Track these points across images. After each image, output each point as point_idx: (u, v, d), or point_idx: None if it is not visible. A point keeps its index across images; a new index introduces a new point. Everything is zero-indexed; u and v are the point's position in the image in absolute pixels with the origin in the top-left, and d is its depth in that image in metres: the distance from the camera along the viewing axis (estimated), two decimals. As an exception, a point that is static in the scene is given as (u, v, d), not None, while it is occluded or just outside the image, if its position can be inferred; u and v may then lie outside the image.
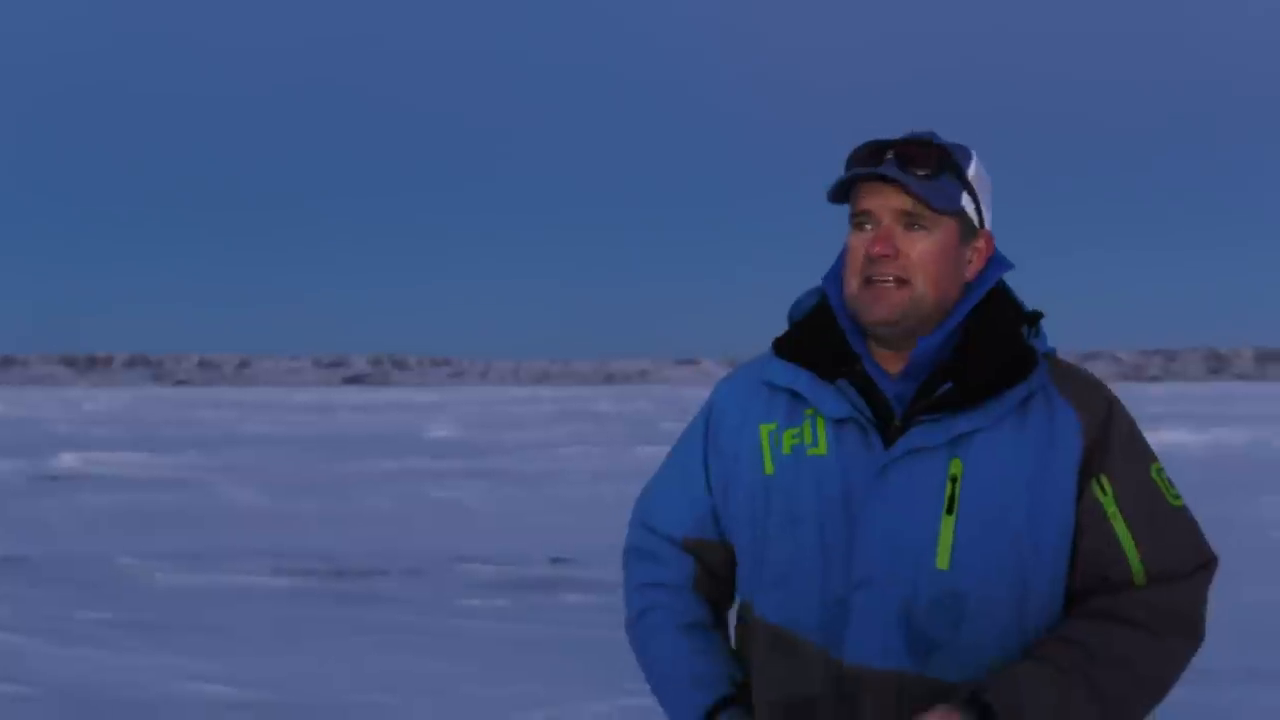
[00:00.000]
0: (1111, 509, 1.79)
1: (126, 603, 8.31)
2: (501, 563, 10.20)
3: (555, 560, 10.37)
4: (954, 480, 1.78)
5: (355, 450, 24.13)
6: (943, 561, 1.77)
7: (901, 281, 1.81)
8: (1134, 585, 1.79)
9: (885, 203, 1.82)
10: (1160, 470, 1.83)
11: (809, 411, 1.85)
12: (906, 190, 1.81)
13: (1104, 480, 1.79)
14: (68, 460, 21.24)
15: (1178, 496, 1.84)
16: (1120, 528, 1.79)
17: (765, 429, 1.87)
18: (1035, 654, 1.77)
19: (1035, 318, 1.87)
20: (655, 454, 22.57)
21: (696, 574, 1.93)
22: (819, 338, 1.87)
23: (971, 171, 1.85)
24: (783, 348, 1.89)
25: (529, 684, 6.11)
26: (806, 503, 1.82)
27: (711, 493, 1.91)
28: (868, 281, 1.82)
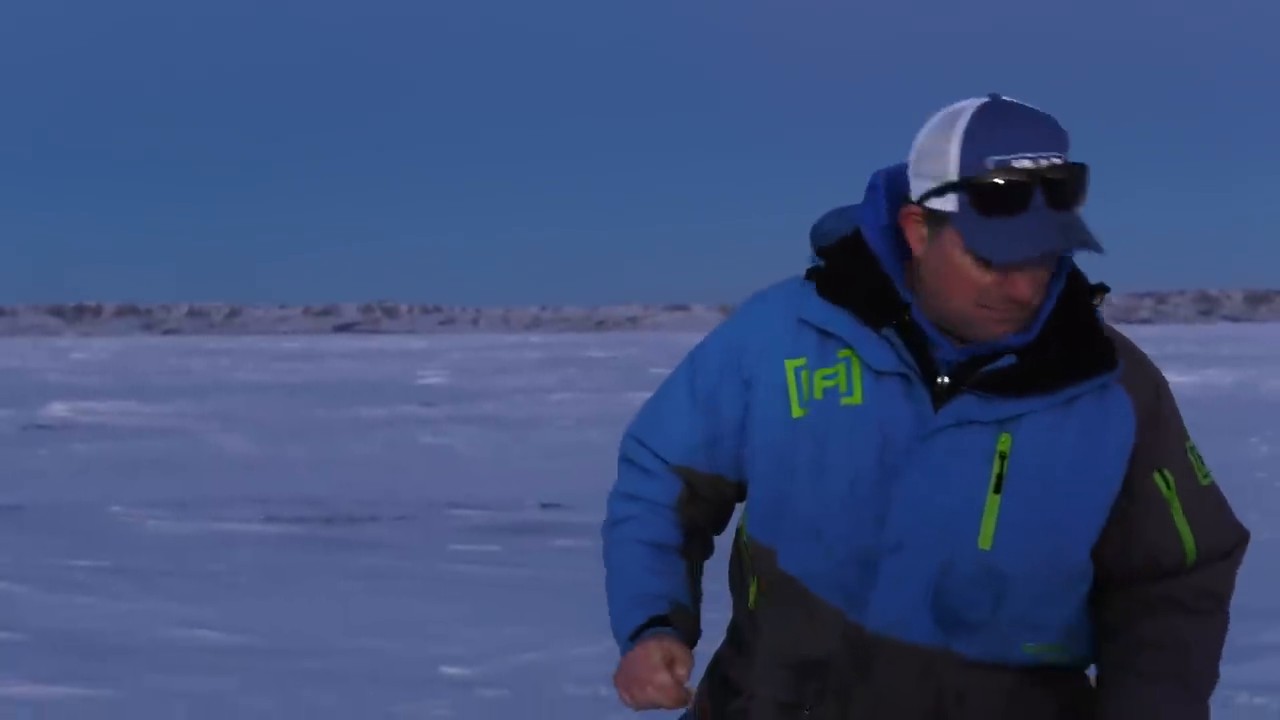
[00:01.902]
0: (1175, 503, 1.74)
1: (117, 550, 8.32)
2: (491, 508, 10.22)
3: (545, 505, 10.39)
4: (1003, 457, 1.70)
5: (345, 397, 24.13)
6: (985, 541, 1.70)
7: (1030, 307, 1.69)
8: (1185, 569, 1.76)
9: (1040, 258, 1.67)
10: (1193, 447, 1.78)
11: (843, 353, 1.73)
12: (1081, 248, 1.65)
13: (1166, 473, 1.74)
14: (57, 409, 21.22)
15: (1207, 473, 1.79)
16: (1179, 518, 1.74)
17: (791, 365, 1.75)
18: (1145, 670, 1.73)
19: (1102, 291, 1.76)
20: (646, 399, 22.55)
21: (681, 495, 1.84)
22: (861, 277, 1.73)
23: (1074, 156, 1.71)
24: (824, 285, 1.75)
25: (519, 627, 6.14)
26: (838, 455, 1.72)
27: (719, 422, 1.79)
28: (985, 307, 1.68)
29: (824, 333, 1.74)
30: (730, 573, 1.88)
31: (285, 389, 27.37)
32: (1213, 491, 1.79)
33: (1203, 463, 1.79)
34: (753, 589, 1.81)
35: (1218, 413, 18.49)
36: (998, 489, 1.70)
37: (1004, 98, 1.71)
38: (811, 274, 1.78)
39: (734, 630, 1.87)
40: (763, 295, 1.83)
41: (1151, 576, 1.76)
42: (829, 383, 1.73)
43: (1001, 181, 1.65)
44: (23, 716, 4.89)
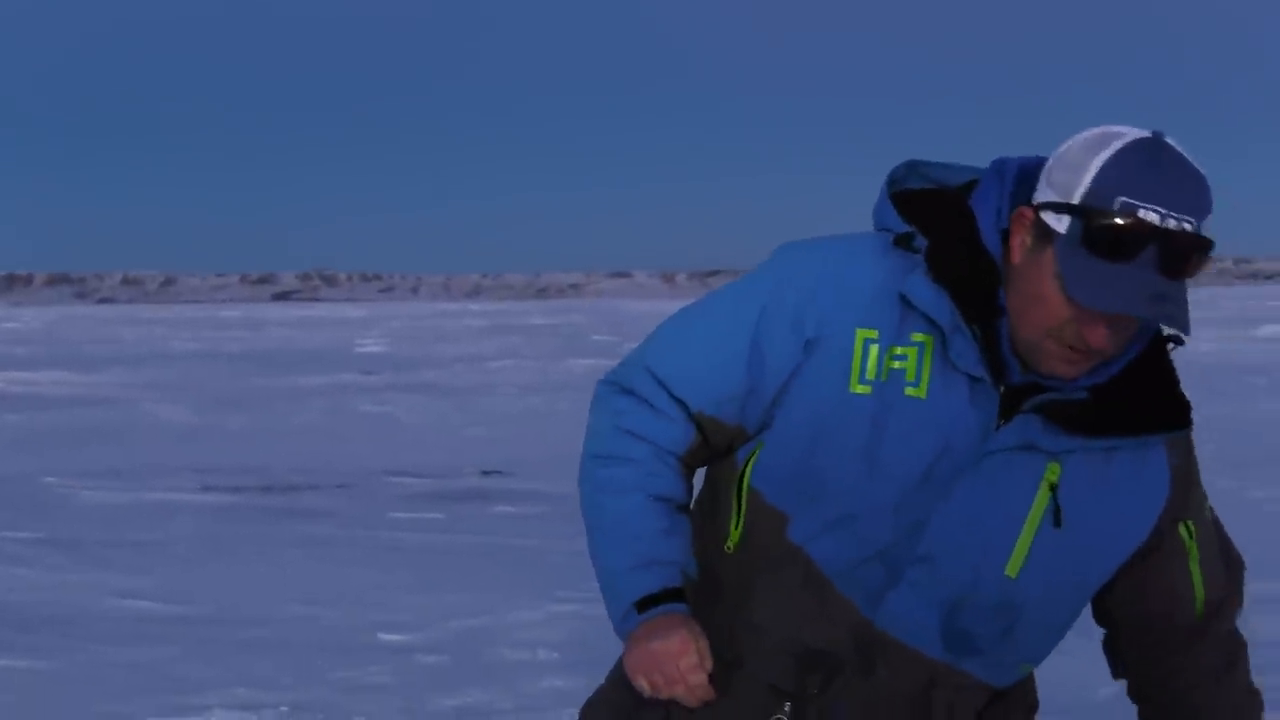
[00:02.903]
0: (1195, 553, 1.75)
1: (52, 521, 8.23)
2: (432, 475, 10.20)
3: (486, 473, 10.38)
4: (1051, 488, 1.64)
5: (284, 366, 23.94)
6: (1013, 569, 1.66)
7: (1099, 357, 1.62)
8: (1196, 619, 1.77)
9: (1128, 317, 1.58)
10: (1200, 485, 1.78)
11: (918, 337, 1.62)
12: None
13: (1190, 525, 1.74)
14: (-11, 380, 20.89)
15: (1209, 506, 1.79)
16: (1195, 569, 1.75)
17: (862, 335, 1.62)
18: None
19: (1177, 341, 1.67)
20: (588, 366, 22.58)
21: (692, 445, 1.67)
22: (965, 265, 1.61)
23: (1209, 229, 1.62)
24: (936, 264, 1.61)
25: (461, 594, 6.14)
26: (893, 449, 1.63)
27: (763, 374, 1.63)
28: (1055, 340, 1.60)
29: (907, 309, 1.62)
30: (704, 503, 1.74)
31: (223, 357, 27.11)
32: (1216, 524, 1.79)
33: (1206, 498, 1.79)
34: (736, 531, 1.70)
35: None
36: (1055, 523, 1.66)
37: (1169, 141, 1.60)
38: (901, 240, 1.64)
39: (700, 579, 1.72)
40: (827, 250, 1.66)
41: (1162, 624, 1.76)
42: (896, 364, 1.62)
43: (1119, 223, 1.55)
44: (-44, 689, 4.84)
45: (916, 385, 1.62)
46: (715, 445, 1.71)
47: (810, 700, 1.72)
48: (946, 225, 1.64)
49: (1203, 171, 1.62)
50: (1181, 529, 1.74)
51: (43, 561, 6.99)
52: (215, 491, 9.49)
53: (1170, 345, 1.69)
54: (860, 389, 1.63)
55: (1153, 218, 1.56)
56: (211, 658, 5.19)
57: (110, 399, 17.70)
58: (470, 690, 4.81)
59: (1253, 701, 1.81)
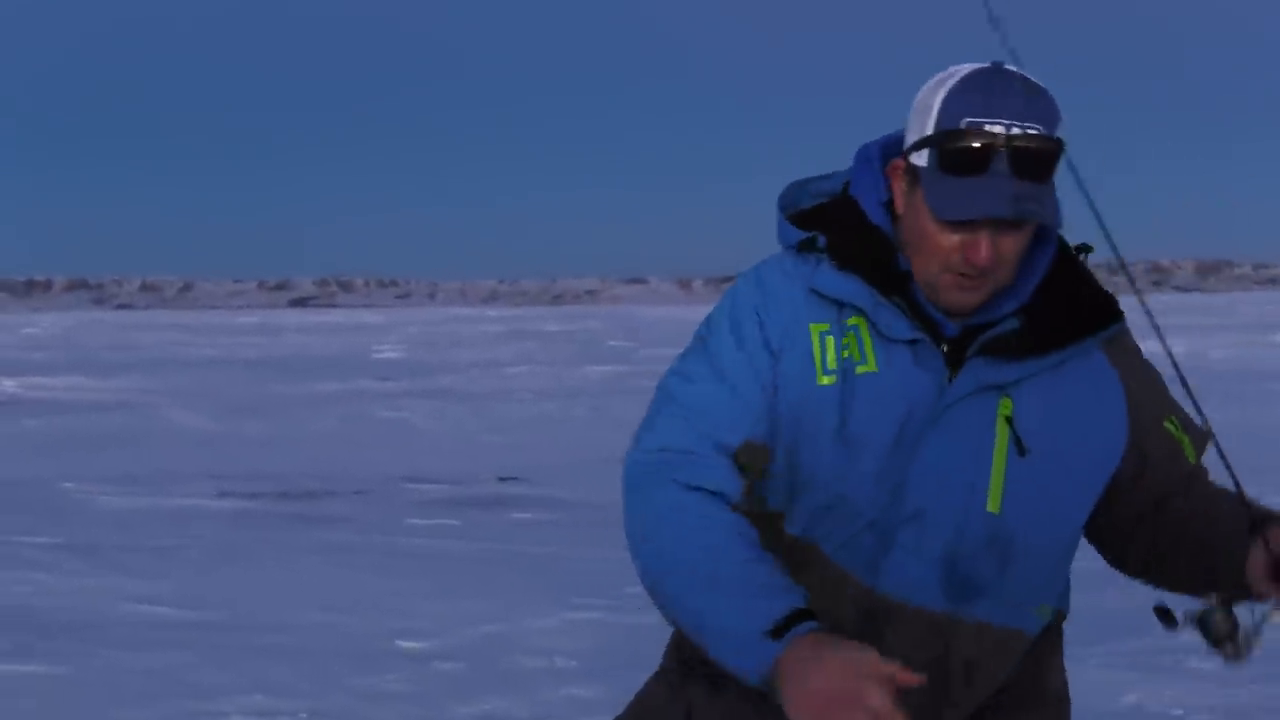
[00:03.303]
0: (1187, 443, 1.80)
1: (70, 526, 8.26)
2: (449, 482, 10.21)
3: (503, 479, 10.39)
4: (1007, 420, 1.71)
5: (301, 372, 24.00)
6: (994, 504, 1.71)
7: (992, 275, 1.70)
8: (1192, 466, 1.81)
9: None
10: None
11: (852, 321, 1.72)
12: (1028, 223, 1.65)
13: (1175, 421, 1.80)
14: (8, 385, 20.98)
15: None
16: (1189, 451, 1.80)
17: (816, 329, 1.72)
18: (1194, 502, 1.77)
19: (1084, 251, 1.77)
20: (604, 372, 22.59)
21: (744, 488, 1.70)
22: (866, 246, 1.72)
23: (1059, 129, 1.69)
24: (835, 254, 1.73)
25: (477, 600, 6.14)
26: (860, 425, 1.70)
27: (763, 389, 1.71)
28: (954, 273, 1.69)
29: (836, 302, 1.73)
30: None
31: (240, 363, 27.18)
32: (1181, 412, 1.84)
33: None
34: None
35: (1167, 381, 18.66)
36: (1004, 451, 1.71)
37: (1007, 66, 1.72)
38: (807, 245, 1.75)
39: None
40: (765, 269, 1.77)
41: (1167, 483, 1.79)
42: (845, 352, 1.72)
43: (966, 139, 1.66)
44: (-25, 694, 4.85)
45: (865, 363, 1.72)
46: (754, 475, 1.74)
47: None
48: (837, 219, 1.75)
49: (1044, 87, 1.71)
50: (1168, 425, 1.79)
51: (61, 566, 7.01)
52: (232, 497, 9.51)
53: (1081, 256, 1.77)
54: (825, 380, 1.72)
55: (997, 129, 1.66)
56: (228, 664, 5.20)
57: (128, 404, 17.76)
58: (488, 698, 4.81)
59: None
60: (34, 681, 5.00)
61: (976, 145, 1.65)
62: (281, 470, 10.89)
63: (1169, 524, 1.79)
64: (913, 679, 1.54)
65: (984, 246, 1.67)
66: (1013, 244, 1.69)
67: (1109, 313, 1.77)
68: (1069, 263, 1.77)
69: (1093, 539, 1.84)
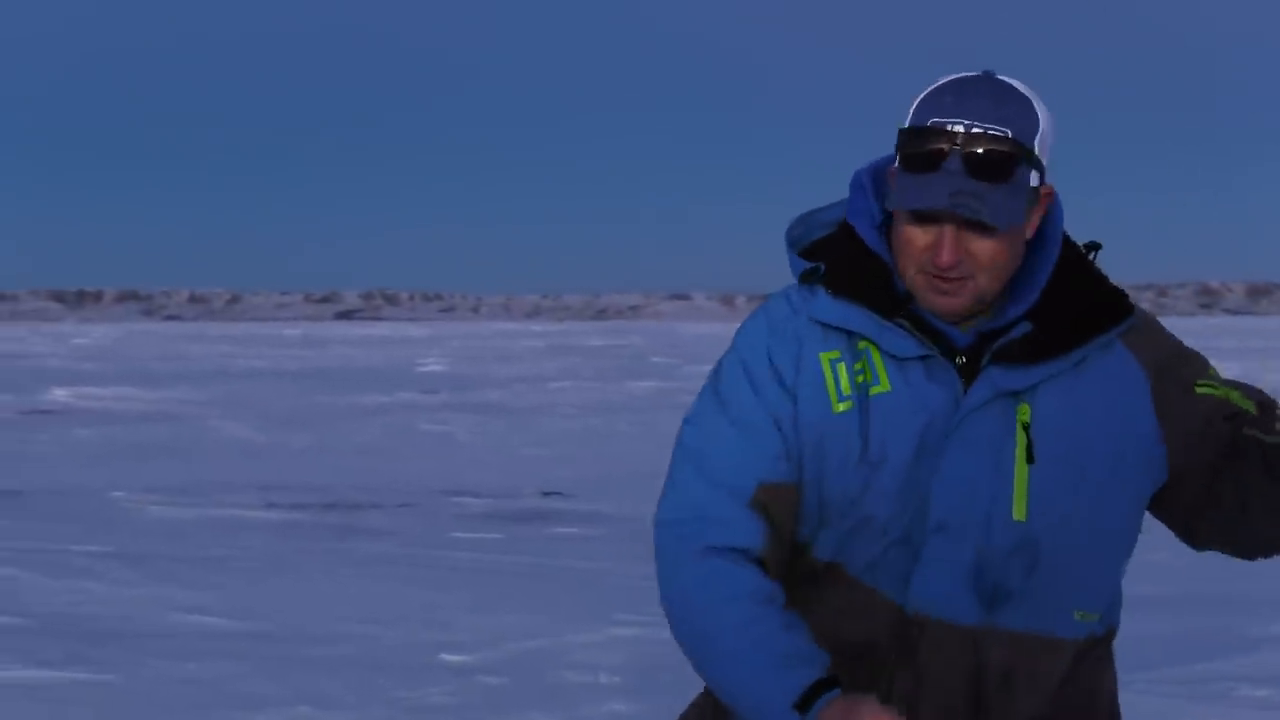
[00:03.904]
0: (1233, 395, 1.76)
1: (119, 535, 8.34)
2: (492, 495, 10.24)
3: (546, 493, 10.41)
4: (1025, 427, 1.71)
5: (346, 384, 24.15)
6: (1019, 512, 1.70)
7: (967, 278, 1.69)
8: (1255, 417, 1.76)
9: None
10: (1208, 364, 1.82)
11: (863, 345, 1.73)
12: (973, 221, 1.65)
13: (1209, 379, 1.77)
14: (59, 395, 21.24)
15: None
16: (1239, 400, 1.76)
17: (826, 357, 1.72)
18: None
19: (1094, 248, 1.77)
20: (646, 388, 22.61)
21: (768, 538, 1.70)
22: (864, 271, 1.73)
23: (1039, 137, 1.69)
24: (832, 283, 1.73)
25: (520, 615, 6.15)
26: (881, 446, 1.70)
27: (779, 429, 1.71)
28: (928, 274, 1.70)
29: (845, 330, 1.74)
30: None
31: (286, 375, 27.39)
32: (1215, 374, 1.80)
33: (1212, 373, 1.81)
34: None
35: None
36: (1028, 458, 1.70)
37: (998, 76, 1.73)
38: (809, 276, 1.76)
39: None
40: (770, 306, 1.79)
41: (1235, 437, 1.74)
42: (860, 377, 1.72)
43: (924, 139, 1.68)
44: (24, 701, 4.91)
45: (879, 384, 1.73)
46: (779, 523, 1.72)
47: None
48: (835, 247, 1.77)
49: (1026, 94, 1.71)
50: (1201, 388, 1.76)
51: (110, 575, 7.08)
52: (279, 509, 9.58)
53: (1091, 255, 1.77)
54: (841, 406, 1.72)
55: (958, 129, 1.67)
56: (274, 674, 5.23)
57: (176, 415, 17.93)
58: (531, 713, 4.82)
59: None
60: (83, 690, 5.05)
61: (932, 143, 1.67)
62: (326, 482, 10.96)
63: (1249, 466, 1.74)
64: None
65: (945, 246, 1.68)
66: (985, 247, 1.69)
67: (1119, 309, 1.76)
68: (1078, 262, 1.77)
69: (1177, 528, 1.81)
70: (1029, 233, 1.74)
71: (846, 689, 1.67)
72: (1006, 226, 1.68)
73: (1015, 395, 1.72)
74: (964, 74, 1.73)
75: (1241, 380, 1.82)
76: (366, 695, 5.00)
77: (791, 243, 1.80)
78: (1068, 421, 1.72)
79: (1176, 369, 1.78)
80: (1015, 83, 1.72)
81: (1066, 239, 1.78)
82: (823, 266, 1.76)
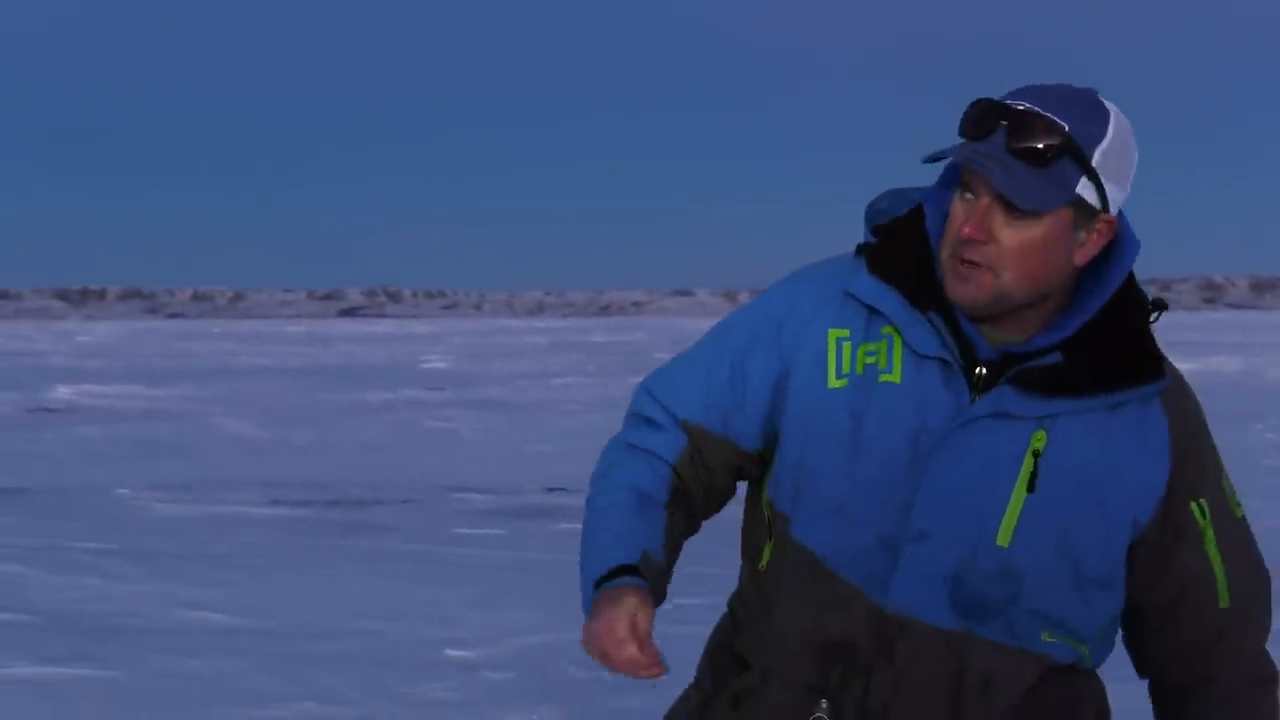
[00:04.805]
0: (1209, 533, 1.73)
1: (123, 533, 8.35)
2: (496, 492, 10.25)
3: (550, 489, 10.42)
4: (1035, 455, 1.67)
5: (350, 381, 24.16)
6: (1004, 538, 1.68)
7: (987, 268, 1.65)
8: (1221, 612, 1.74)
9: (985, 180, 1.65)
10: (1227, 477, 1.78)
11: (886, 330, 1.70)
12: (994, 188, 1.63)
13: (1203, 502, 1.73)
14: (63, 392, 21.26)
15: (1240, 504, 1.78)
16: (1212, 549, 1.73)
17: (835, 334, 1.71)
18: None
19: (1159, 307, 1.72)
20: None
21: (683, 453, 1.76)
22: (912, 259, 1.71)
23: (1103, 148, 1.65)
24: (876, 262, 1.72)
25: (523, 611, 6.16)
26: (872, 433, 1.69)
27: (745, 389, 1.74)
28: (955, 256, 1.67)
29: (871, 309, 1.71)
30: (744, 536, 1.82)
31: (290, 372, 27.41)
32: (1244, 526, 1.77)
33: (1236, 494, 1.78)
34: (766, 551, 1.77)
35: (1222, 400, 18.46)
36: (1029, 488, 1.68)
37: (1095, 93, 1.69)
38: (862, 249, 1.75)
39: (740, 600, 1.81)
40: (809, 270, 1.79)
41: (1188, 611, 1.74)
42: (870, 359, 1.70)
43: (979, 109, 1.67)
44: (29, 698, 4.92)
45: (890, 372, 1.70)
46: (708, 460, 1.77)
47: (846, 694, 1.72)
48: (898, 227, 1.74)
49: (1112, 112, 1.68)
50: (1193, 506, 1.73)
51: (114, 572, 7.09)
52: (283, 505, 9.59)
53: (1154, 315, 1.73)
54: (837, 383, 1.71)
55: (1017, 107, 1.66)
56: (279, 671, 5.24)
57: (180, 413, 17.94)
58: (536, 708, 4.82)
59: None
60: (87, 686, 5.06)
61: (988, 114, 1.66)
62: (330, 479, 10.97)
63: (1179, 688, 1.76)
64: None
65: (970, 216, 1.65)
66: (1012, 235, 1.65)
67: (1152, 371, 1.70)
68: (1133, 313, 1.72)
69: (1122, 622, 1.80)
70: (1078, 259, 1.69)
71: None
72: (1026, 206, 1.63)
73: (1036, 420, 1.68)
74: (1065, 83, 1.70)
75: (1232, 516, 1.74)
76: (370, 691, 5.01)
77: (867, 212, 1.77)
78: (1082, 460, 1.69)
79: (1199, 459, 1.74)
80: (1108, 103, 1.68)
81: (1132, 286, 1.72)
82: (874, 242, 1.75)
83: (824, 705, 1.72)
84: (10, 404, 19.21)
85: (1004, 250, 1.65)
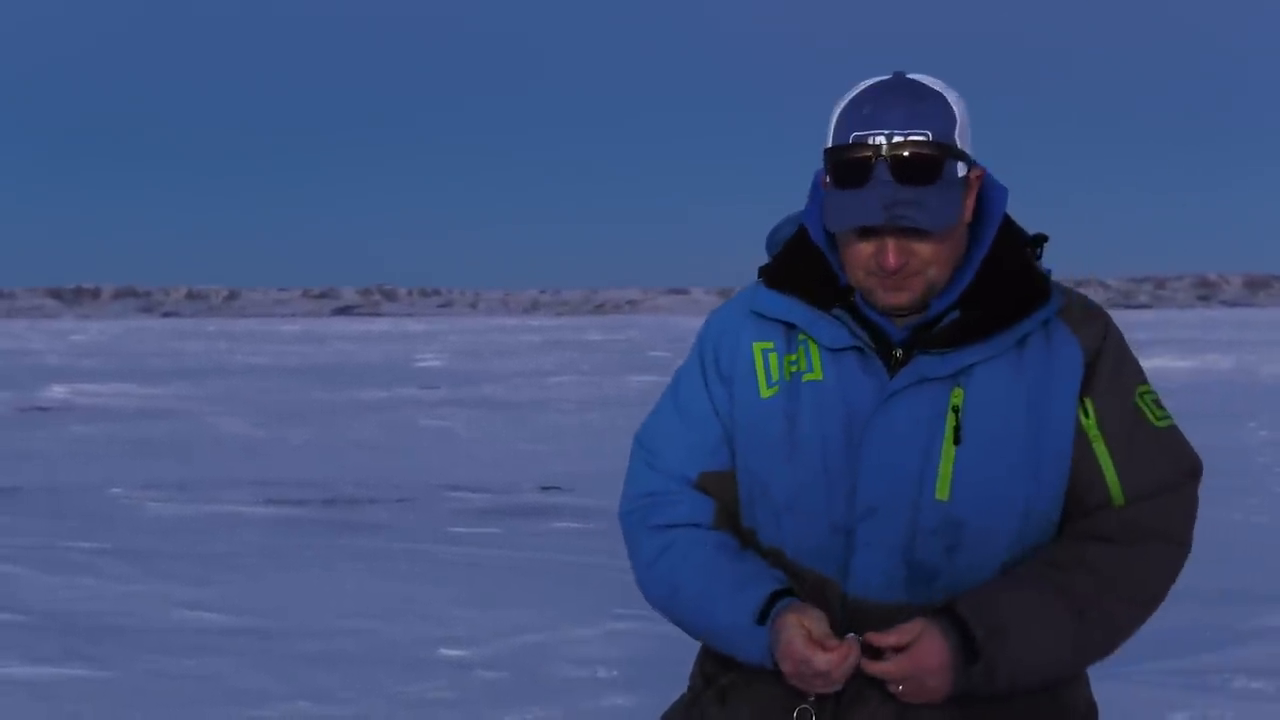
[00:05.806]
0: (1093, 432, 1.78)
1: (117, 532, 8.34)
2: (491, 490, 10.24)
3: (545, 488, 10.41)
4: (956, 410, 1.77)
5: (345, 380, 24.14)
6: (942, 492, 1.76)
7: (916, 274, 1.76)
8: (1111, 506, 1.79)
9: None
10: (1146, 392, 1.82)
11: (801, 337, 1.82)
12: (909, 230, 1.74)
13: (1088, 404, 1.79)
14: (56, 391, 21.23)
15: (1164, 417, 1.82)
16: (1100, 449, 1.79)
17: (759, 346, 1.84)
18: (1008, 572, 1.78)
19: (1039, 241, 1.83)
20: (645, 383, 22.59)
21: (716, 512, 1.85)
22: (806, 267, 1.83)
23: (959, 129, 1.75)
24: (772, 277, 1.85)
25: (519, 609, 6.15)
26: (806, 430, 1.79)
27: (719, 417, 1.85)
28: (872, 275, 1.78)
29: (784, 321, 1.83)
30: None
31: (285, 371, 27.37)
32: (1168, 433, 1.81)
33: (1159, 408, 1.82)
34: None
35: (1216, 397, 18.48)
36: (955, 440, 1.76)
37: (910, 76, 1.78)
38: (761, 271, 1.87)
39: None
40: (723, 305, 1.93)
41: (1079, 513, 1.80)
42: (794, 367, 1.81)
43: (849, 155, 1.74)
44: (22, 697, 4.91)
45: (812, 371, 1.81)
46: (725, 500, 1.86)
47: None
48: (789, 245, 1.87)
49: (938, 89, 1.76)
50: (1079, 409, 1.79)
51: (108, 572, 7.08)
52: (277, 504, 9.57)
53: (1037, 249, 1.82)
54: (768, 391, 1.82)
55: (879, 140, 1.73)
56: (272, 670, 5.23)
57: (174, 411, 17.92)
58: (530, 707, 4.82)
59: (1097, 592, 1.77)
60: (80, 685, 5.05)
61: (858, 157, 1.73)
62: (325, 478, 10.95)
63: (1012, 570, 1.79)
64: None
65: (890, 252, 1.75)
66: (927, 246, 1.75)
67: (1041, 295, 1.79)
68: (1015, 253, 1.81)
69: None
70: (968, 216, 1.79)
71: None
72: (939, 228, 1.74)
73: (952, 379, 1.78)
74: (876, 79, 1.78)
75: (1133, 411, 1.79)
76: (365, 690, 5.00)
77: (768, 242, 1.92)
78: (1000, 401, 1.78)
79: (1101, 368, 1.79)
80: (925, 79, 1.78)
81: (1007, 224, 1.83)
82: (768, 262, 1.87)
83: (810, 700, 1.78)
84: (4, 403, 19.17)
85: (925, 258, 1.76)
